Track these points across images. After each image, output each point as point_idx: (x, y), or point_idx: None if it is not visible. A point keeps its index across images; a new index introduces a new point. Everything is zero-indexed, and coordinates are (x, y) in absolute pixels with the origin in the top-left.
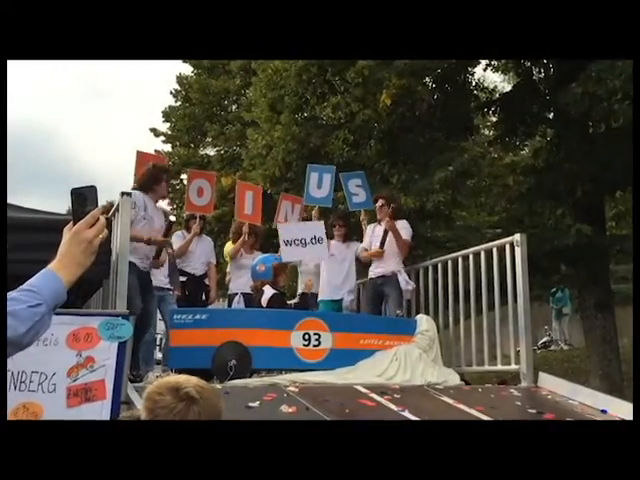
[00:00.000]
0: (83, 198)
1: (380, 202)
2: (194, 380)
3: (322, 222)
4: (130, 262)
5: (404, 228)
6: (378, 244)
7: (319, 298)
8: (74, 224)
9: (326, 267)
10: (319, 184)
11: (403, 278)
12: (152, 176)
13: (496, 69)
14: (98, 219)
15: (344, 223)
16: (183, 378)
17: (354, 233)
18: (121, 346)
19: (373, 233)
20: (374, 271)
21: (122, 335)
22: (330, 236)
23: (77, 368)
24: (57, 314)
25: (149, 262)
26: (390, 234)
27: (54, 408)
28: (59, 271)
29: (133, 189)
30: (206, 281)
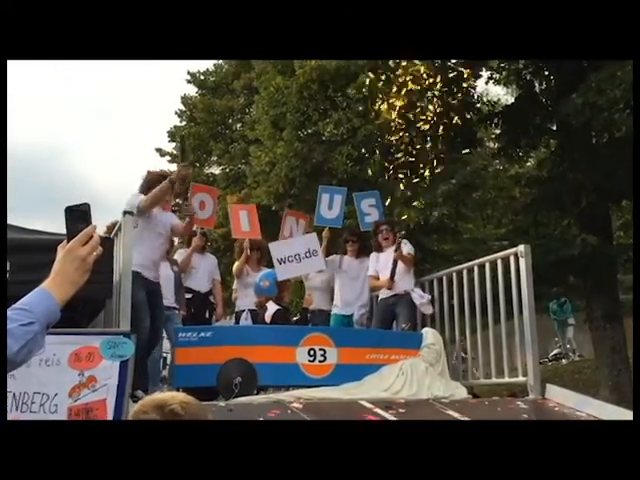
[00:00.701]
0: (77, 216)
1: (383, 228)
2: (180, 397)
3: (314, 234)
4: (138, 274)
5: (406, 245)
6: (387, 274)
7: (333, 312)
8: (68, 242)
9: (339, 283)
10: (330, 205)
11: (417, 294)
12: (149, 181)
13: (498, 82)
14: (92, 236)
15: (357, 239)
16: (169, 395)
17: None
18: (123, 365)
19: (378, 261)
20: (386, 291)
21: (124, 354)
22: (343, 252)
23: (79, 388)
24: (58, 334)
25: (159, 273)
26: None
27: None
28: (52, 289)
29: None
30: (211, 298)
